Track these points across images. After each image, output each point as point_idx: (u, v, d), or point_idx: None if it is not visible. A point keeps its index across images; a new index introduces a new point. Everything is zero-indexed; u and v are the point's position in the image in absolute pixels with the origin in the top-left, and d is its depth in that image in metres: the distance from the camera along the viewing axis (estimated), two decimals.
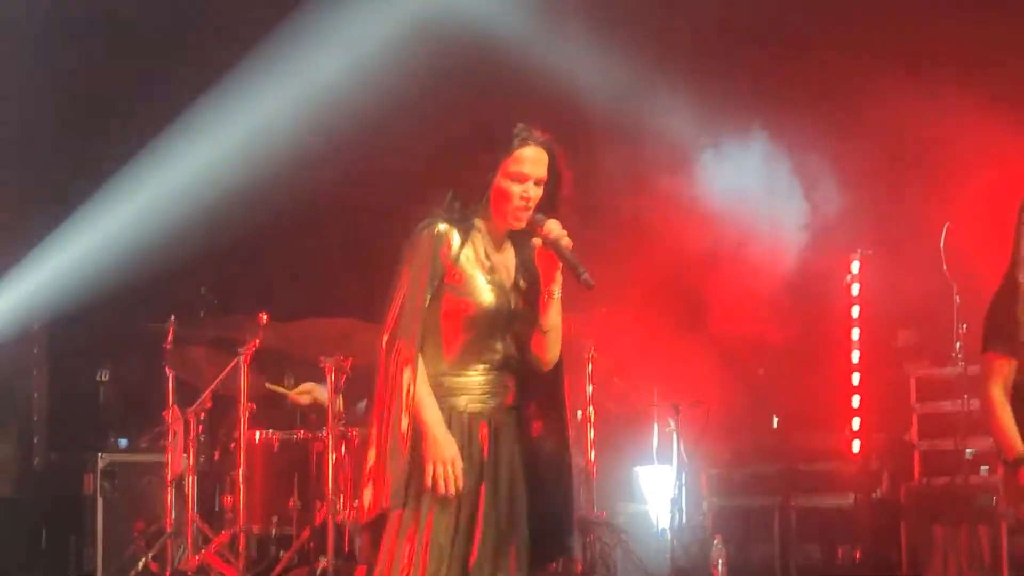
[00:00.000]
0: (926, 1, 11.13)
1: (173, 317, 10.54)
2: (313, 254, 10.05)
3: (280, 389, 10.64)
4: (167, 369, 10.44)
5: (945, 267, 8.59)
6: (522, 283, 5.43)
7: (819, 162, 10.94)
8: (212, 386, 10.44)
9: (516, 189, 5.24)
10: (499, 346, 5.38)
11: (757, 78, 11.64)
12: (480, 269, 5.31)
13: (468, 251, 5.33)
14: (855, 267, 11.15)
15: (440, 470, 5.15)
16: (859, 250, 11.13)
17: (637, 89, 11.52)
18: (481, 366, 5.36)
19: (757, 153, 11.17)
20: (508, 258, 5.43)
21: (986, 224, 8.34)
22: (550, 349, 5.44)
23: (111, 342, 11.52)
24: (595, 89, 11.52)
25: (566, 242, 5.23)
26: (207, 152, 11.43)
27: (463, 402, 5.31)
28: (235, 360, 10.28)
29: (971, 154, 10.18)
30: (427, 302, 5.26)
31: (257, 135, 11.30)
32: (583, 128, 11.07)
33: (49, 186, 11.83)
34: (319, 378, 10.21)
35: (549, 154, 5.32)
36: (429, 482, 5.17)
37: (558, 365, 5.51)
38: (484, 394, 5.36)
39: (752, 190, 11.09)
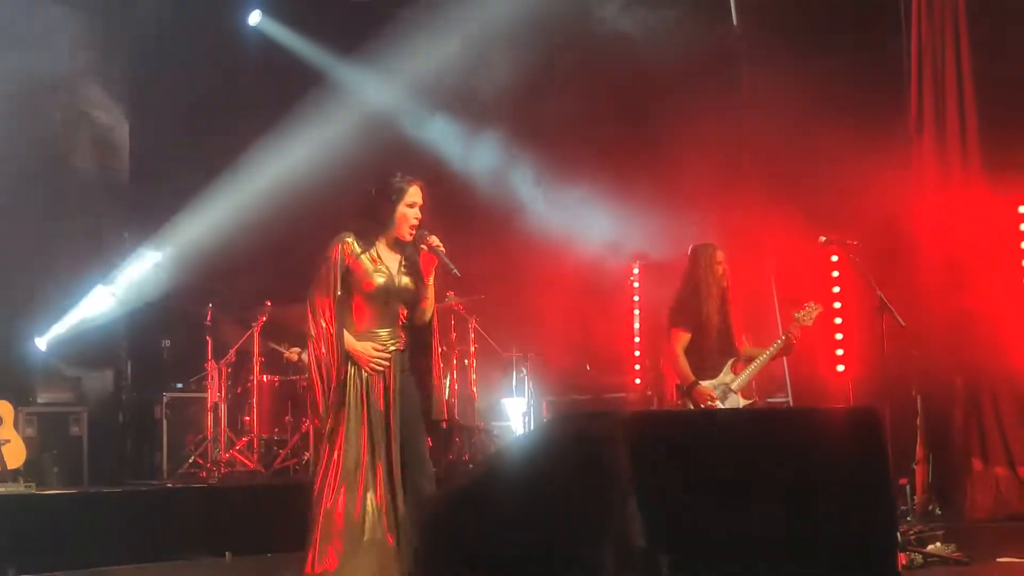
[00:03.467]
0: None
1: (211, 304, 10.85)
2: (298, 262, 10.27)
3: (279, 349, 10.79)
4: (207, 337, 10.75)
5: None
6: (404, 273, 5.88)
7: (615, 200, 10.91)
8: (235, 347, 10.81)
9: (411, 213, 5.82)
10: (392, 311, 5.87)
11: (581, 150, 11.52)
12: (375, 262, 5.81)
13: (367, 253, 5.81)
14: (636, 271, 11.41)
15: (373, 359, 5.77)
16: (638, 260, 11.32)
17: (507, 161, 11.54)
18: (387, 321, 5.86)
19: (580, 196, 11.22)
20: (395, 258, 5.88)
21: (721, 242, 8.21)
22: (426, 313, 5.96)
23: (170, 322, 11.56)
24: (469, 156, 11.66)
25: (442, 249, 5.81)
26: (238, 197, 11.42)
27: (371, 346, 5.79)
28: (250, 330, 10.78)
29: (714, 195, 10.20)
30: (337, 285, 5.75)
31: (266, 191, 11.28)
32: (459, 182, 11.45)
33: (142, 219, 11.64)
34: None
35: (422, 191, 5.89)
36: (369, 366, 5.74)
37: (431, 324, 6.03)
38: (385, 340, 5.83)
39: (574, 220, 11.13)
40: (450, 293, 10.60)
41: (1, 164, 10.39)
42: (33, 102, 10.65)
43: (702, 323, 7.55)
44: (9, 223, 10.47)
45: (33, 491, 9.04)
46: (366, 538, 5.64)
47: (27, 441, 9.44)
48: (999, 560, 7.10)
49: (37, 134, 10.75)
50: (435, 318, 6.13)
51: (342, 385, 5.74)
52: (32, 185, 10.82)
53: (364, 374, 5.78)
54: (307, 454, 10.30)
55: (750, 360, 7.62)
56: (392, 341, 5.85)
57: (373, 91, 11.80)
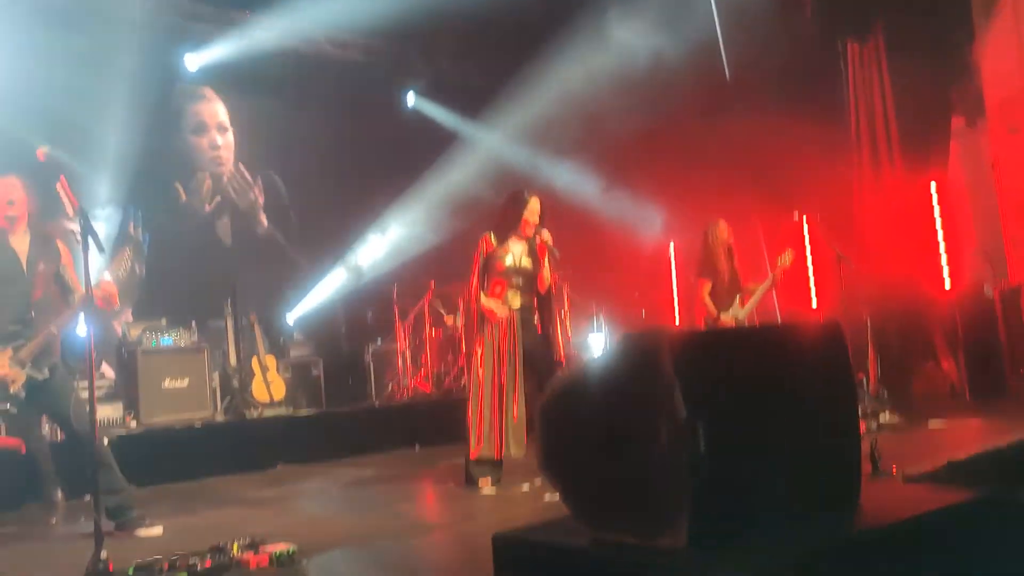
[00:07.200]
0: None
1: (396, 285, 10.84)
2: (454, 254, 9.67)
3: (442, 312, 10.65)
4: (395, 307, 10.72)
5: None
6: (525, 257, 5.75)
7: (656, 201, 10.66)
8: (413, 312, 10.64)
9: (531, 218, 5.70)
10: (518, 282, 5.74)
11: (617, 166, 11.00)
12: (506, 251, 5.72)
13: (503, 244, 5.73)
14: (671, 247, 10.85)
15: (496, 313, 5.66)
16: (672, 240, 10.82)
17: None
18: (512, 289, 5.74)
19: (631, 200, 10.94)
20: (520, 247, 5.74)
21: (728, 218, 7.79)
22: (544, 284, 5.76)
23: (375, 302, 11.34)
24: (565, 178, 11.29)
25: (550, 241, 5.68)
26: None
27: (506, 302, 5.70)
28: (422, 301, 10.63)
29: (721, 190, 9.26)
30: (480, 265, 5.71)
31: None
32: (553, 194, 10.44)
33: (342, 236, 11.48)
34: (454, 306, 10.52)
35: (539, 200, 5.79)
36: (496, 319, 5.62)
37: (549, 291, 5.84)
38: (514, 299, 5.70)
39: (630, 217, 10.85)
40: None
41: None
42: None
43: (717, 273, 7.32)
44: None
45: (291, 412, 9.19)
46: (504, 424, 5.61)
47: (286, 381, 9.55)
48: (929, 425, 6.98)
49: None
50: (553, 288, 5.92)
51: (481, 327, 5.68)
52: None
53: (494, 322, 5.69)
54: (463, 379, 10.14)
55: (751, 294, 7.30)
56: (515, 301, 5.72)
57: (490, 140, 11.79)
